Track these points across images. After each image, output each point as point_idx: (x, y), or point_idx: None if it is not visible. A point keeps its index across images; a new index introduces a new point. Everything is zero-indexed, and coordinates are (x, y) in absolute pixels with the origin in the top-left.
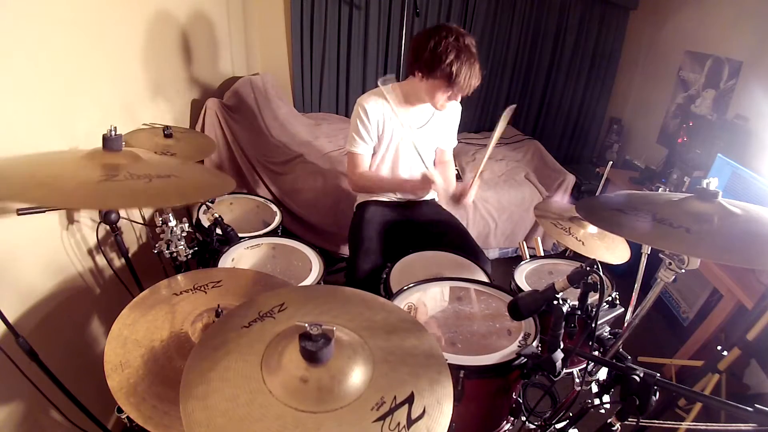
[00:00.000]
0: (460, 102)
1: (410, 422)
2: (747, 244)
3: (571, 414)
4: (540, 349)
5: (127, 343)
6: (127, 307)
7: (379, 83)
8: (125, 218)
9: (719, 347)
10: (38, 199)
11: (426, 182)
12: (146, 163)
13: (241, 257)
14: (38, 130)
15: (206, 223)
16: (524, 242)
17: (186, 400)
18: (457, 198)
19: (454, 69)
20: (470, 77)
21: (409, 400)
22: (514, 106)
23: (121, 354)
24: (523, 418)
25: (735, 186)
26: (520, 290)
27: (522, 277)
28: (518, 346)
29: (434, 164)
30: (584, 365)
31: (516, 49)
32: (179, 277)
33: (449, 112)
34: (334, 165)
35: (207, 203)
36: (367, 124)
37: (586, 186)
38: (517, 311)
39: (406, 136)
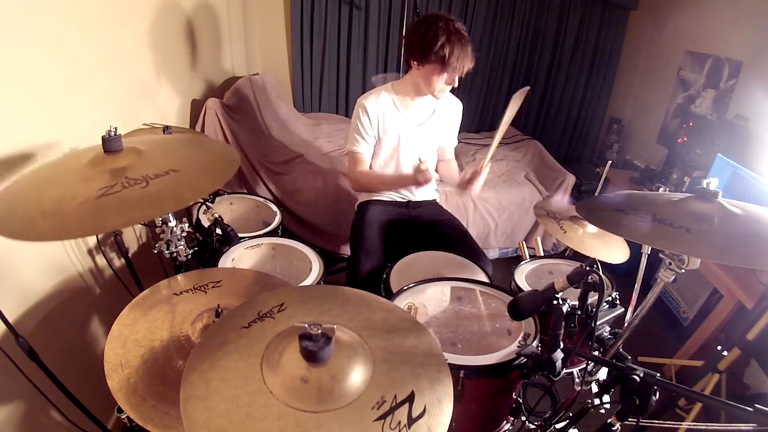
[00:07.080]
0: (460, 98)
1: (411, 421)
2: (747, 244)
3: (571, 414)
4: (540, 349)
5: (127, 343)
6: (127, 307)
7: (372, 80)
8: None
9: (719, 347)
10: (41, 235)
11: (418, 172)
12: (147, 159)
13: (241, 257)
14: (38, 129)
15: (206, 223)
16: (524, 242)
17: (186, 401)
18: (465, 184)
19: (446, 51)
20: (462, 57)
21: (410, 399)
22: (527, 88)
23: (121, 354)
24: (523, 418)
25: (735, 186)
26: (520, 290)
27: (522, 277)
28: (518, 346)
29: (436, 164)
30: (584, 365)
31: (516, 49)
32: (179, 277)
33: (451, 109)
34: (334, 165)
35: (207, 203)
36: (366, 123)
37: (586, 186)
38: (517, 311)
39: (408, 132)
